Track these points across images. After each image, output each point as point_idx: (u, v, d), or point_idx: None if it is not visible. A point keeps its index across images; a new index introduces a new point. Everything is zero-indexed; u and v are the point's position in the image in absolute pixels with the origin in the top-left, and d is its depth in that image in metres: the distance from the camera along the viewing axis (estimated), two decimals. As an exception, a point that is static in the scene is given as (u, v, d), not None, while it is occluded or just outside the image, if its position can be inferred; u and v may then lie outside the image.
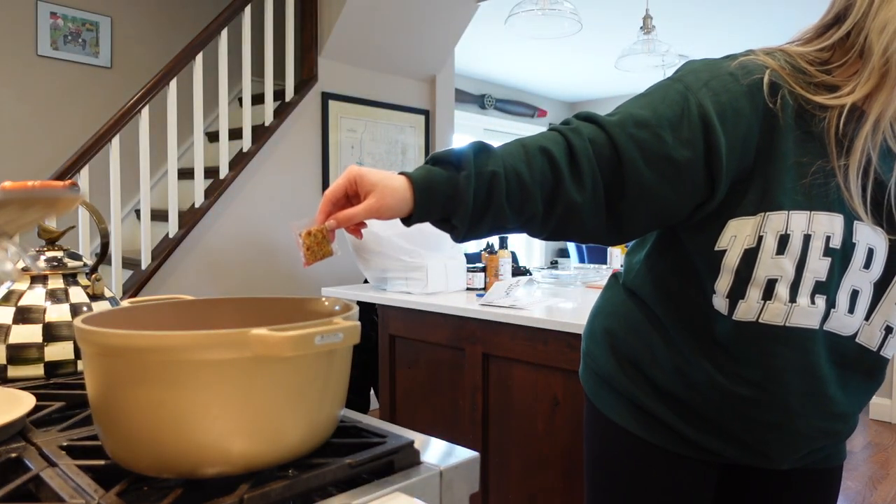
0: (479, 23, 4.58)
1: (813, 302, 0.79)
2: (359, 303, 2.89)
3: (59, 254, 0.95)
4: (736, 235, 0.78)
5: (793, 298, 0.79)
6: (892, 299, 0.82)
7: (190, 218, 3.03)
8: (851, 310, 0.82)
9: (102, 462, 0.58)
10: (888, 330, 0.83)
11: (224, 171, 3.14)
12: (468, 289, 2.48)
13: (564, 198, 0.73)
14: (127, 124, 2.81)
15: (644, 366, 0.91)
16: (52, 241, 0.97)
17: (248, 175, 3.25)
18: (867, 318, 0.83)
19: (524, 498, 1.97)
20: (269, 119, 3.30)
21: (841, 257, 0.79)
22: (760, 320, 0.80)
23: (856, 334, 0.83)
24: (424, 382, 2.29)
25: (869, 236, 0.80)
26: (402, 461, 0.62)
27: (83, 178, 2.71)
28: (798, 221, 0.77)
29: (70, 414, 0.74)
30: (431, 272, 2.34)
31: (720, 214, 0.79)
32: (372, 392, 3.42)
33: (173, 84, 2.89)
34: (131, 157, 3.33)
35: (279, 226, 3.40)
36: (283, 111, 3.36)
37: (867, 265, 0.81)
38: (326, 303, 0.72)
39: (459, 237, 0.75)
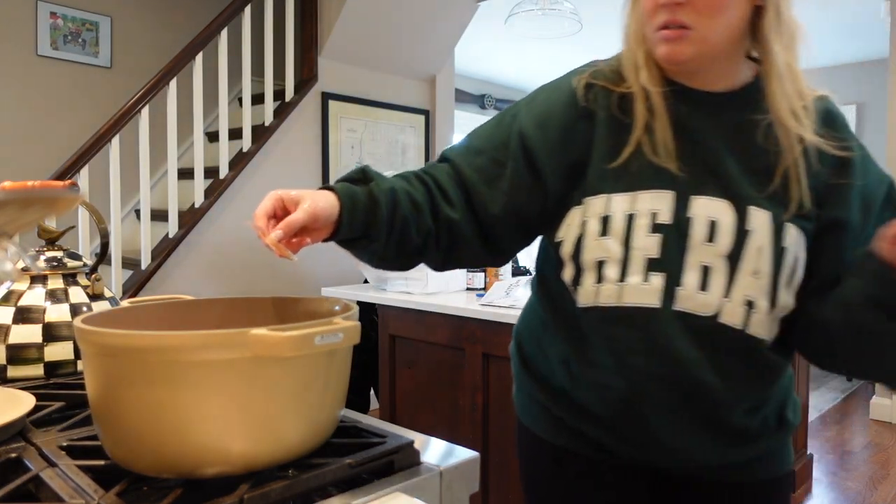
0: (479, 23, 4.58)
1: (646, 280, 0.79)
2: (359, 303, 2.88)
3: (59, 254, 0.95)
4: (570, 224, 0.84)
5: (622, 278, 0.80)
6: (746, 271, 0.78)
7: (190, 218, 3.02)
8: (704, 286, 0.79)
9: (102, 462, 0.58)
10: (749, 304, 0.78)
11: (224, 171, 3.14)
12: (468, 289, 2.48)
13: (443, 215, 0.82)
14: (127, 124, 2.81)
15: (539, 363, 0.93)
16: (51, 241, 0.97)
17: (248, 175, 3.25)
18: (727, 294, 0.78)
19: (524, 498, 1.97)
20: (268, 119, 3.30)
21: (676, 233, 0.79)
22: (598, 303, 0.81)
23: (717, 314, 0.79)
24: (424, 382, 2.29)
25: (708, 209, 0.79)
26: (402, 461, 0.62)
27: (83, 178, 2.71)
28: (619, 202, 0.81)
29: (70, 414, 0.74)
30: (431, 272, 2.34)
31: (564, 206, 0.85)
32: (372, 392, 3.42)
33: (173, 84, 2.89)
34: (131, 157, 3.33)
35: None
36: (283, 111, 3.36)
37: (711, 238, 0.79)
38: (326, 303, 0.72)
39: (375, 256, 0.81)
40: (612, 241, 0.80)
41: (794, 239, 0.79)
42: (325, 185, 0.77)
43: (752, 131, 0.81)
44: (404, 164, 3.98)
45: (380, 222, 0.77)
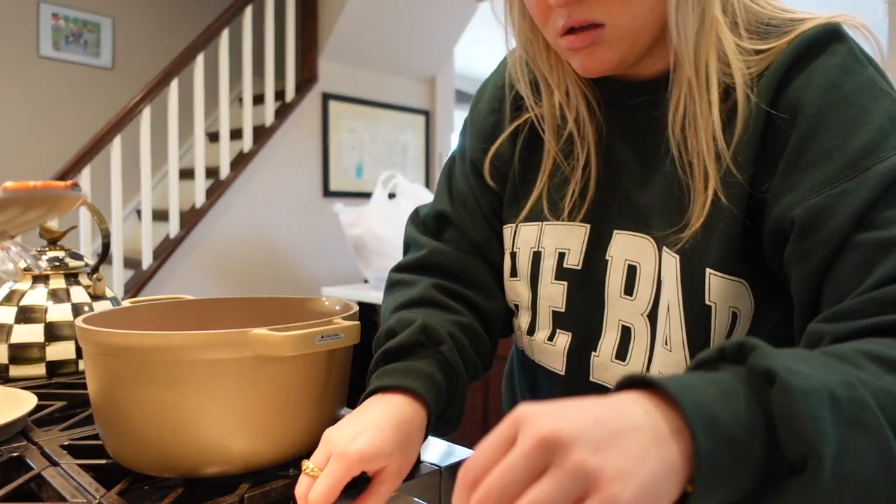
0: (479, 23, 4.59)
1: (551, 339, 0.64)
2: (359, 303, 2.89)
3: (61, 254, 0.95)
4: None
5: (531, 331, 0.66)
6: (660, 338, 0.57)
7: (191, 218, 3.03)
8: (623, 356, 0.60)
9: (104, 461, 0.58)
10: None
11: (225, 172, 3.14)
12: (468, 289, 2.48)
13: (485, 307, 0.68)
14: (128, 125, 2.81)
15: (516, 395, 0.80)
16: (53, 241, 0.97)
17: (248, 175, 3.25)
18: (647, 367, 0.59)
19: (524, 498, 1.97)
20: (269, 119, 3.31)
21: (583, 281, 0.62)
22: (521, 347, 0.70)
23: None
24: (425, 382, 2.28)
25: (627, 250, 0.59)
26: (402, 460, 0.62)
27: (84, 178, 2.71)
28: (527, 235, 0.65)
29: (71, 413, 0.74)
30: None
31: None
32: (372, 392, 3.42)
33: (174, 84, 2.90)
34: (132, 157, 3.33)
35: (280, 226, 3.40)
36: (283, 112, 3.36)
37: (629, 291, 0.59)
38: (327, 303, 0.72)
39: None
40: (522, 284, 0.66)
41: (724, 291, 0.54)
42: (399, 386, 0.55)
43: (663, 130, 0.57)
44: (405, 164, 3.99)
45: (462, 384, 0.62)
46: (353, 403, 0.60)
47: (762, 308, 0.55)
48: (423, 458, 0.64)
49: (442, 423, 0.61)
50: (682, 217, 0.55)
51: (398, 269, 0.73)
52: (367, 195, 3.20)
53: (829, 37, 0.52)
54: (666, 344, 0.57)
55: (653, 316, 0.58)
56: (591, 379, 0.63)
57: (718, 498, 0.33)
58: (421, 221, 0.75)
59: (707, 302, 0.54)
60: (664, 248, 0.57)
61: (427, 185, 4.07)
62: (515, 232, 0.67)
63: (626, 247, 0.60)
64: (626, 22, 0.53)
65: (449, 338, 0.60)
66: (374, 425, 0.50)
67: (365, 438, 0.48)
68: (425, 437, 0.57)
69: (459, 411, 0.61)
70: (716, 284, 0.54)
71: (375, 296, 2.38)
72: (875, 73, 0.52)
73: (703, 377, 0.35)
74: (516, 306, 0.69)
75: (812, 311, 0.50)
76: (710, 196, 0.53)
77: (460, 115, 6.25)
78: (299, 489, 0.48)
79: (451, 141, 4.29)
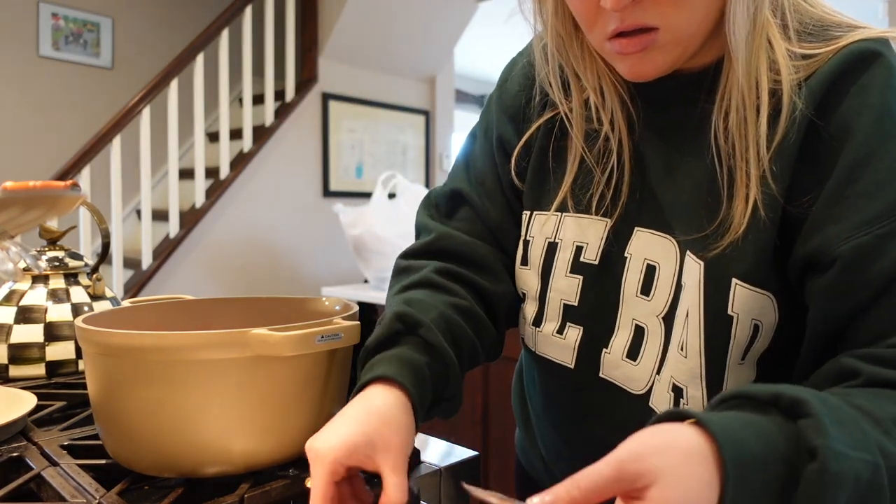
0: (479, 23, 4.59)
1: (561, 332, 0.63)
2: (359, 303, 2.88)
3: (61, 254, 0.95)
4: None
5: (537, 322, 0.65)
6: (675, 343, 0.56)
7: (191, 218, 3.03)
8: (634, 355, 0.59)
9: (103, 461, 0.58)
10: (677, 392, 0.56)
11: (225, 172, 3.14)
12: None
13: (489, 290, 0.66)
14: (128, 125, 2.81)
15: (525, 391, 0.80)
16: (53, 241, 0.97)
17: (248, 175, 3.25)
18: (659, 370, 0.57)
19: (524, 498, 1.97)
20: (269, 119, 3.31)
21: (599, 276, 0.61)
22: (523, 335, 0.69)
23: (649, 394, 0.58)
24: (425, 382, 2.28)
25: (647, 249, 0.58)
26: (402, 460, 0.62)
27: (84, 178, 2.71)
28: (543, 225, 0.64)
29: (71, 413, 0.74)
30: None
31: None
32: (372, 392, 3.42)
33: (174, 84, 2.90)
34: (132, 157, 3.33)
35: (280, 226, 3.40)
36: (283, 111, 3.36)
37: (645, 290, 0.58)
38: (327, 303, 0.72)
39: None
40: (532, 273, 0.65)
41: (750, 302, 0.52)
42: (372, 378, 0.52)
43: (700, 129, 0.56)
44: (405, 164, 3.98)
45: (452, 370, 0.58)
46: (353, 403, 0.59)
47: (785, 322, 0.53)
48: (423, 458, 0.64)
49: (444, 402, 0.59)
50: (711, 222, 0.54)
51: (405, 255, 0.71)
52: (367, 195, 3.20)
53: (881, 54, 0.50)
54: (682, 350, 0.55)
55: (668, 319, 0.57)
56: (600, 375, 0.62)
57: None
58: (433, 203, 0.73)
59: (730, 312, 0.53)
60: (688, 252, 0.55)
61: (427, 185, 4.07)
62: (531, 220, 0.65)
63: (647, 245, 0.58)
64: (682, 25, 0.51)
65: (432, 320, 0.57)
66: (347, 420, 0.48)
67: (336, 434, 0.46)
68: (423, 419, 0.54)
69: (457, 389, 0.59)
70: (741, 295, 0.52)
71: (375, 296, 2.38)
72: None
73: (752, 427, 0.40)
74: (524, 294, 0.67)
75: (832, 343, 0.50)
76: (752, 204, 0.51)
77: (460, 115, 6.26)
78: None
79: (451, 141, 4.29)
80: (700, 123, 0.56)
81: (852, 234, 0.47)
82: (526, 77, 0.68)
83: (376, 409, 0.49)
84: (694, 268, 0.54)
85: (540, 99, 0.66)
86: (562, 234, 0.62)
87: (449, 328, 0.59)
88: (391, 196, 2.75)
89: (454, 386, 0.58)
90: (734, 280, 0.52)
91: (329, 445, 0.45)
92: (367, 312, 3.08)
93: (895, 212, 0.47)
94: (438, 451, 0.67)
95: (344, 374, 0.63)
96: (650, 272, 0.58)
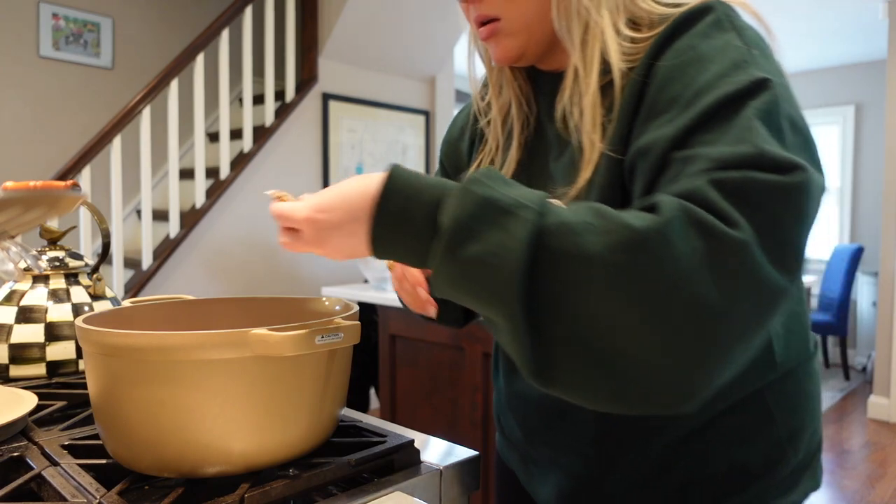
0: (479, 23, 4.59)
1: None
2: (359, 303, 2.89)
3: (61, 254, 0.95)
4: None
5: None
6: None
7: (191, 218, 3.03)
8: None
9: (104, 461, 0.58)
10: None
11: (225, 172, 3.14)
12: (468, 289, 2.48)
13: None
14: (128, 125, 2.81)
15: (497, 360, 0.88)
16: (53, 241, 0.97)
17: (248, 175, 3.25)
18: None
19: None
20: (269, 119, 3.31)
21: None
22: None
23: None
24: (424, 382, 2.29)
25: None
26: (403, 460, 0.62)
27: (84, 178, 2.71)
28: None
29: (71, 413, 0.74)
30: (432, 272, 2.34)
31: None
32: (372, 391, 3.43)
33: (174, 84, 2.90)
34: (132, 157, 3.33)
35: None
36: (283, 112, 3.36)
37: None
38: (327, 303, 0.73)
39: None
40: None
41: None
42: None
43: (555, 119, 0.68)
44: (404, 164, 3.98)
45: None
46: (353, 403, 0.60)
47: None
48: (423, 458, 0.65)
49: None
50: (573, 183, 0.63)
51: None
52: (367, 195, 3.19)
53: (699, 13, 0.56)
54: None
55: None
56: None
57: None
58: None
59: None
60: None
61: (427, 185, 4.06)
62: None
63: None
64: (517, 16, 0.62)
65: None
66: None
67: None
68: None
69: None
70: None
71: (375, 296, 2.38)
72: (735, 38, 0.54)
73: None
74: None
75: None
76: (595, 161, 0.60)
77: (460, 115, 6.24)
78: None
79: (450, 141, 4.29)
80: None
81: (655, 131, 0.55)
82: (465, 119, 0.84)
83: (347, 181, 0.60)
84: None
85: (472, 132, 0.81)
86: None
87: None
88: (391, 196, 2.74)
89: None
90: None
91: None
92: (367, 312, 3.08)
93: (680, 113, 0.52)
94: (438, 451, 0.67)
95: (344, 374, 0.63)
96: None
